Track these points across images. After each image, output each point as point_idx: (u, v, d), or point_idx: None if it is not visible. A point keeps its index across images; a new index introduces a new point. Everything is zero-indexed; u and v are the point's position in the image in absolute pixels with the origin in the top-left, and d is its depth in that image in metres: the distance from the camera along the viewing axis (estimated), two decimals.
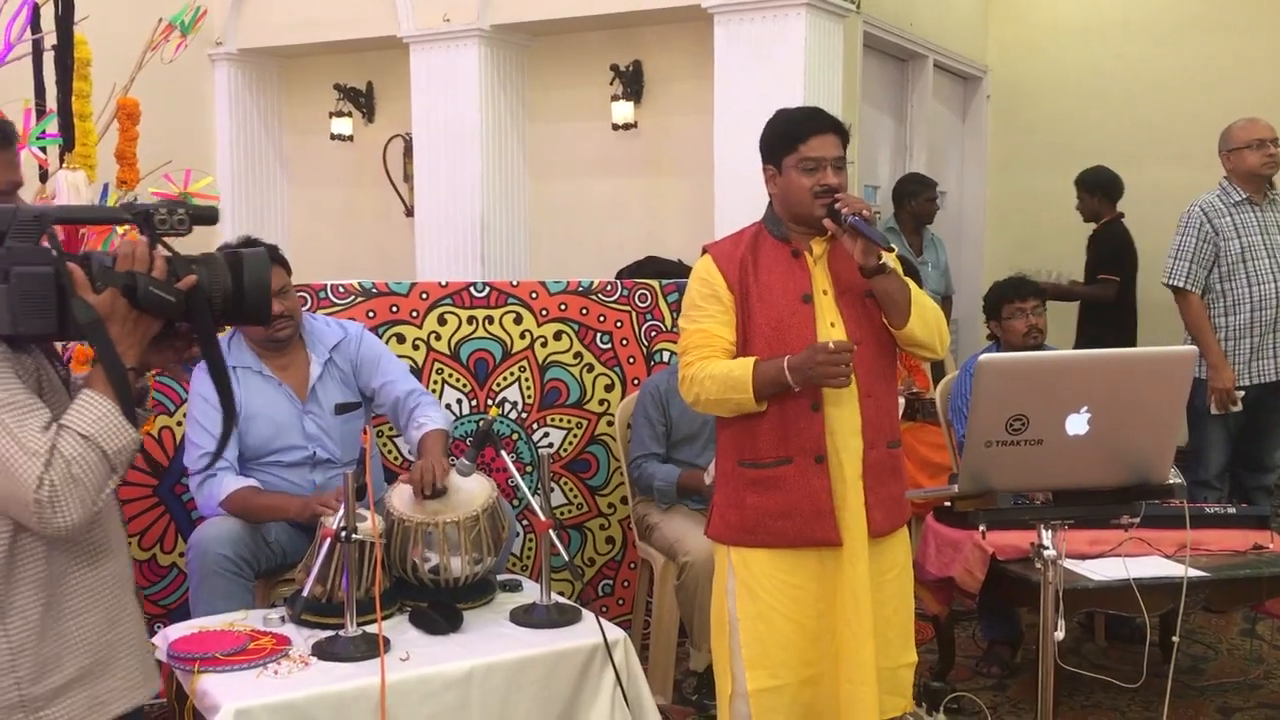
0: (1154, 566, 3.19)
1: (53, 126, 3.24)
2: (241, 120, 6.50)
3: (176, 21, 3.52)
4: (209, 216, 1.74)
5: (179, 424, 3.47)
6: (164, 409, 3.51)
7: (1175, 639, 2.81)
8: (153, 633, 3.24)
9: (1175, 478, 3.68)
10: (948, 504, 3.47)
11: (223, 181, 6.36)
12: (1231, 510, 3.58)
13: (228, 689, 2.38)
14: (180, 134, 5.86)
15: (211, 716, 2.34)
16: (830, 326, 2.54)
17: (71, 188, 3.08)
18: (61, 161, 3.23)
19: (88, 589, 1.73)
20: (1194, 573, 3.17)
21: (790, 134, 2.57)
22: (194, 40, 3.97)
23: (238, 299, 1.74)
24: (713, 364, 2.55)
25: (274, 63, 6.64)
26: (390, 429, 3.70)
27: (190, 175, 3.40)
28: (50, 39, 3.27)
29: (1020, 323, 3.92)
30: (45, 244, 1.65)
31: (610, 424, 4.01)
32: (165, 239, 1.74)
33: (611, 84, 5.71)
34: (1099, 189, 5.78)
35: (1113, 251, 5.69)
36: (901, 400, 4.66)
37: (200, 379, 3.22)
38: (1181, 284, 4.28)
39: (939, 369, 5.06)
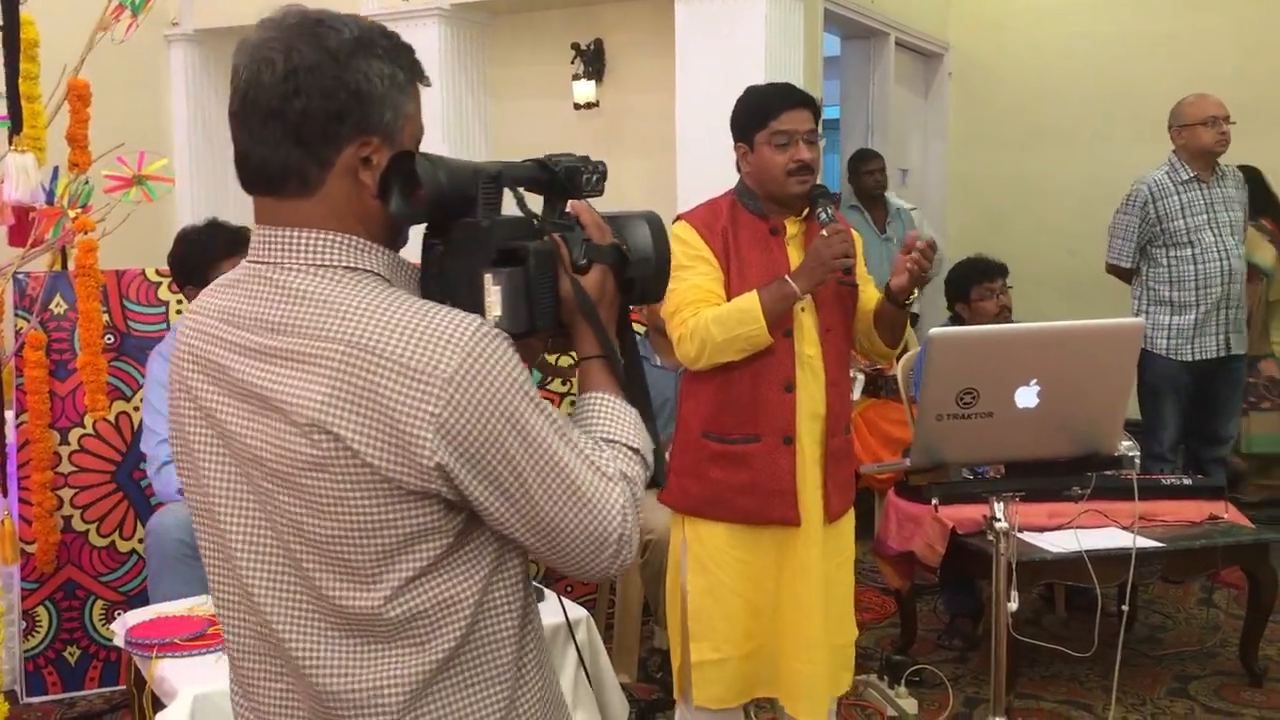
0: (1109, 538, 3.24)
1: (0, 108, 3.19)
2: (199, 102, 6.42)
3: (127, 2, 3.46)
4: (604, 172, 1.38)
5: (136, 409, 3.44)
6: (121, 394, 3.48)
7: (1124, 608, 2.85)
8: (112, 619, 3.23)
9: (1132, 450, 3.74)
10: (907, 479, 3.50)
11: (181, 164, 6.29)
12: (1187, 482, 3.63)
13: (186, 674, 2.37)
14: (136, 116, 5.78)
15: (169, 702, 2.33)
16: (800, 310, 2.53)
17: (20, 171, 3.03)
18: (10, 144, 3.18)
19: (543, 645, 1.35)
20: (1148, 543, 3.22)
21: (761, 109, 2.54)
22: (149, 21, 3.91)
23: (657, 275, 1.38)
24: (710, 310, 2.48)
25: (231, 43, 6.50)
26: None
27: (144, 157, 3.36)
28: None
29: (991, 303, 3.94)
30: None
31: (573, 404, 4.00)
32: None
33: (573, 63, 5.68)
34: None
35: None
36: (863, 377, 4.69)
37: (157, 363, 3.19)
38: (1127, 264, 4.32)
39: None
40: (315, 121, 1.16)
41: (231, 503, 1.23)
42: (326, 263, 1.18)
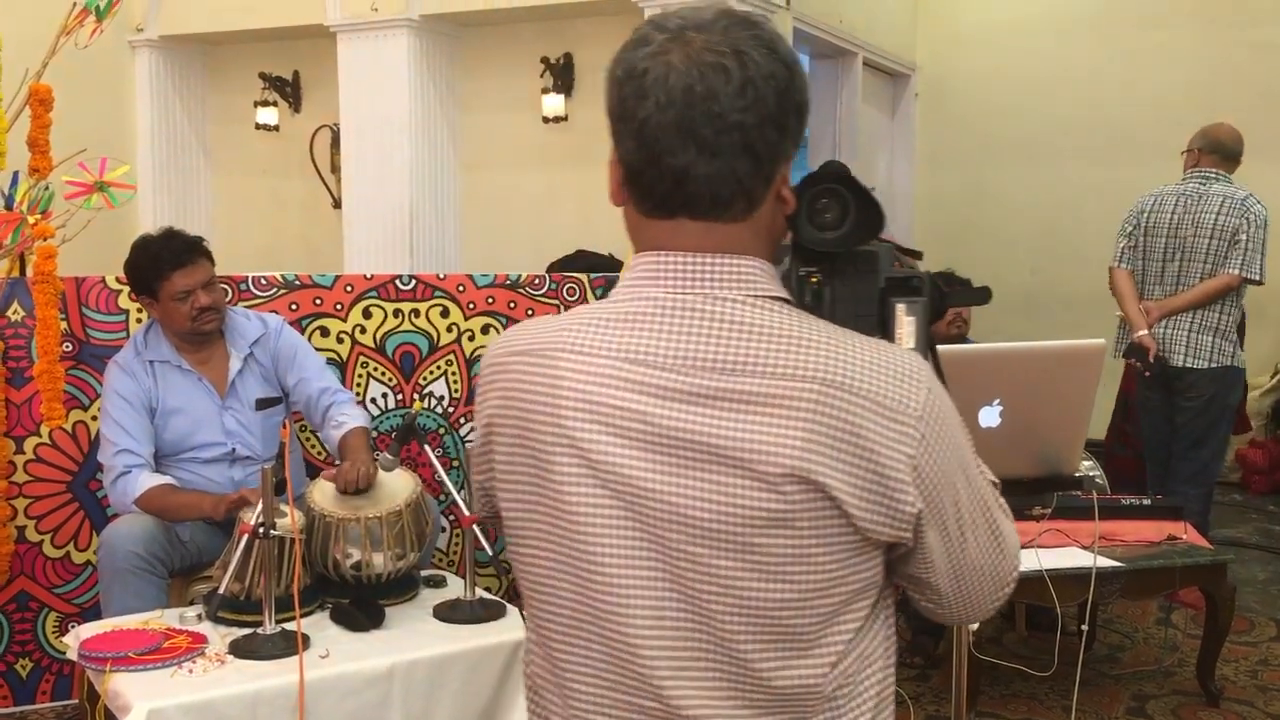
0: (1070, 557, 3.25)
1: None
2: (163, 109, 6.38)
3: (91, 6, 3.42)
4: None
5: (93, 418, 3.39)
6: (78, 403, 3.43)
7: (1084, 628, 2.86)
8: (65, 631, 3.18)
9: (1095, 470, 3.77)
10: None
11: (144, 171, 6.24)
12: (1146, 502, 3.66)
13: (141, 688, 2.33)
14: (100, 122, 5.73)
15: (123, 717, 2.29)
16: None
17: None
18: None
19: None
20: (1107, 563, 3.24)
21: None
22: (114, 27, 3.88)
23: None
24: None
25: (197, 50, 6.51)
26: None
27: (106, 163, 3.31)
28: None
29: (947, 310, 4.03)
30: None
31: None
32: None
33: (542, 76, 5.69)
34: None
35: None
36: None
37: (115, 374, 3.15)
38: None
39: None
40: (770, 135, 1.05)
41: (630, 571, 1.07)
42: (763, 292, 1.07)
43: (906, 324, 1.17)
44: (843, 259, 1.17)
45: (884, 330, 1.17)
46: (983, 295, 1.42)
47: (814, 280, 1.17)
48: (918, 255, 1.28)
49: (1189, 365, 4.39)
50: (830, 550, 1.03)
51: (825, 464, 1.00)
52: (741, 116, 1.03)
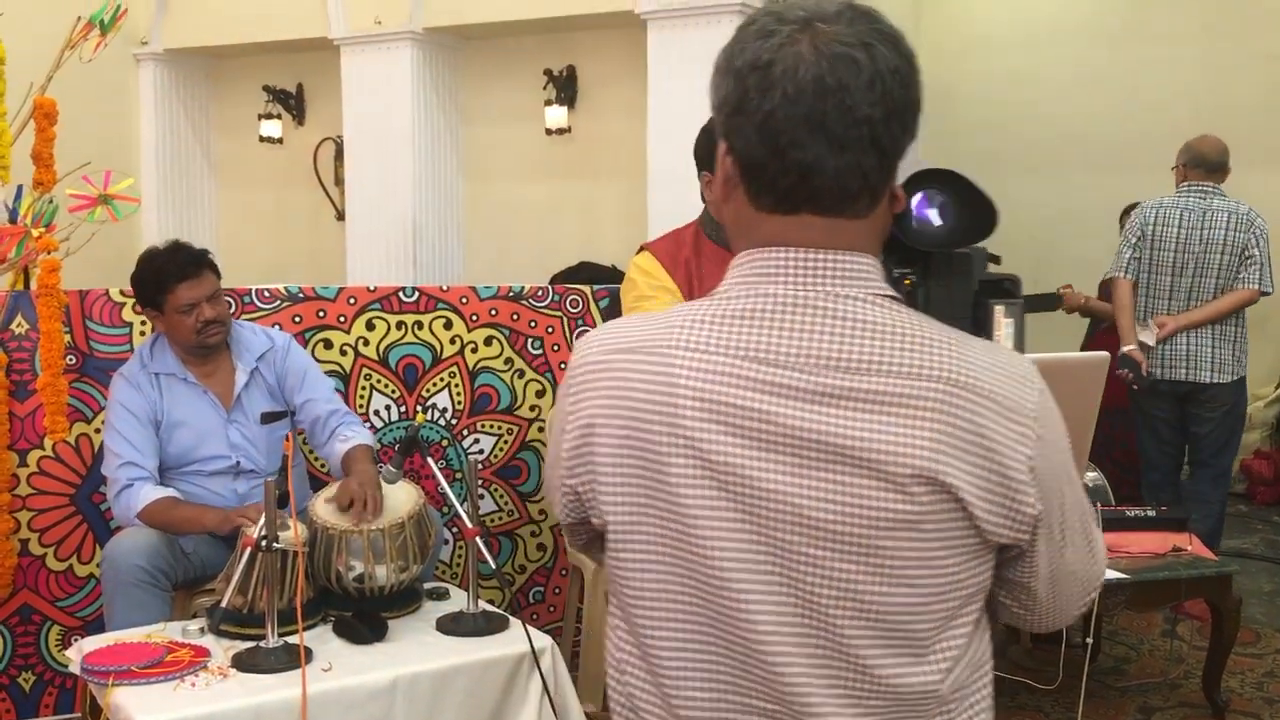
0: None
1: None
2: (168, 121, 6.40)
3: (95, 20, 3.43)
4: None
5: (97, 431, 3.39)
6: (82, 416, 3.43)
7: (1088, 640, 2.85)
8: (69, 645, 3.17)
9: (1100, 480, 3.76)
10: None
11: (148, 184, 6.25)
12: (1151, 513, 3.65)
13: (142, 702, 2.33)
14: (104, 135, 5.75)
15: None
16: None
17: None
18: None
19: None
20: (1112, 575, 3.23)
21: None
22: (119, 40, 3.89)
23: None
24: None
25: (201, 63, 6.54)
26: None
27: (110, 176, 3.32)
28: None
29: None
30: None
31: (541, 430, 3.99)
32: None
33: (545, 88, 5.70)
34: None
35: None
36: None
37: (120, 386, 3.15)
38: None
39: None
40: (895, 130, 1.04)
41: (747, 574, 1.05)
42: (881, 291, 1.05)
43: (1005, 326, 1.17)
44: (938, 260, 1.16)
45: (979, 332, 1.17)
46: (1051, 302, 1.41)
47: (909, 281, 1.17)
48: (996, 260, 1.26)
49: (1215, 380, 4.40)
50: (953, 553, 1.02)
51: (953, 465, 1.00)
52: (870, 110, 1.02)
